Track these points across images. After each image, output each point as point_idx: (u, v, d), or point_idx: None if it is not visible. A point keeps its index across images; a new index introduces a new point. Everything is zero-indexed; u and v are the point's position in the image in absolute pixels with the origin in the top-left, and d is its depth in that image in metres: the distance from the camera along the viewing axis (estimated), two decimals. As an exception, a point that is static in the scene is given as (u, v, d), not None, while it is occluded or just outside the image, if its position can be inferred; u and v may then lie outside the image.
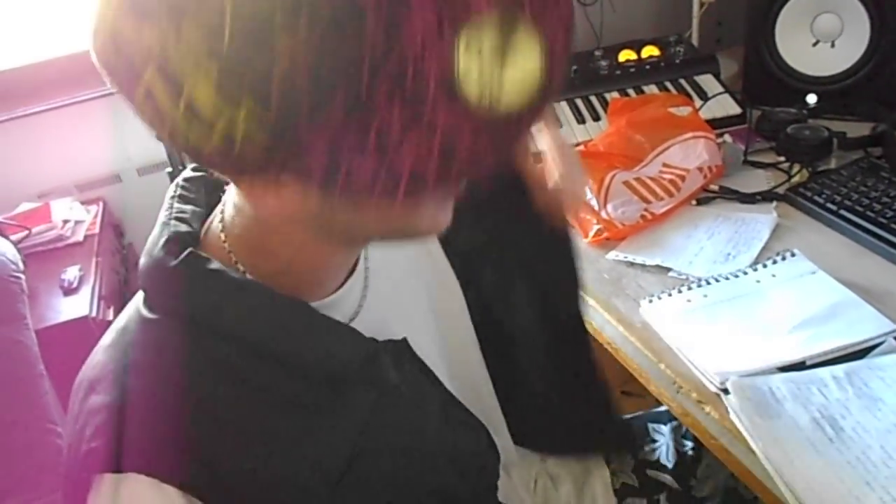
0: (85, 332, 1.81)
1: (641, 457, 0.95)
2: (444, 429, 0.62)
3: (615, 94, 1.40)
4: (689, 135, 1.17)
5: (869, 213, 1.00)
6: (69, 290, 1.90)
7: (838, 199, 1.04)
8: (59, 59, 2.36)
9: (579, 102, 1.39)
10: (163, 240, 0.53)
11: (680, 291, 0.94)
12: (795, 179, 1.13)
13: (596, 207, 1.10)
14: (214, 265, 0.51)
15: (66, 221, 2.18)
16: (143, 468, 0.46)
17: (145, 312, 0.52)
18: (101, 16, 0.40)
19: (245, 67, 0.37)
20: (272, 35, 0.36)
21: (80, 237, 2.13)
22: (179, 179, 0.61)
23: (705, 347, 0.84)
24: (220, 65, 0.37)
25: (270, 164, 0.41)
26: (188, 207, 0.57)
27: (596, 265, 1.04)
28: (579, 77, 1.43)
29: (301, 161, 0.40)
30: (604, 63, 1.45)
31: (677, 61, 1.43)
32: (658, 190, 1.13)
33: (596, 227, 1.08)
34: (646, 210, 1.10)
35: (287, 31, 0.36)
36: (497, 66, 0.39)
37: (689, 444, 0.95)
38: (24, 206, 2.24)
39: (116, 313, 2.14)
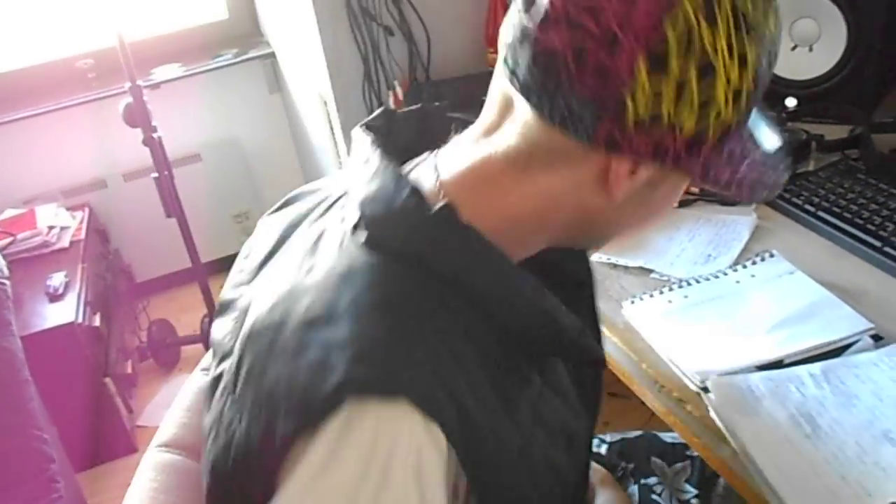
0: (71, 338, 1.81)
1: (643, 483, 0.95)
2: (567, 411, 0.65)
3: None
4: (671, 138, 1.19)
5: (846, 214, 1.01)
6: (55, 297, 1.89)
7: (816, 200, 1.06)
8: (44, 64, 2.36)
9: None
10: (406, 190, 0.57)
11: (661, 292, 0.96)
12: (775, 182, 1.15)
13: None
14: (465, 221, 0.56)
15: (51, 227, 2.17)
16: (406, 395, 0.50)
17: (373, 256, 0.56)
18: None
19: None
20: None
21: (65, 243, 2.12)
22: (360, 129, 0.65)
23: (686, 347, 0.85)
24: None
25: (675, 155, 0.53)
26: (391, 157, 0.61)
27: (579, 267, 1.05)
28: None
29: (692, 157, 0.53)
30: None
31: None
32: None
33: (579, 230, 1.09)
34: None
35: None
36: None
37: (692, 490, 0.95)
38: (9, 213, 2.23)
39: (103, 319, 2.14)
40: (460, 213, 0.56)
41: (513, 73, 0.55)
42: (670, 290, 0.96)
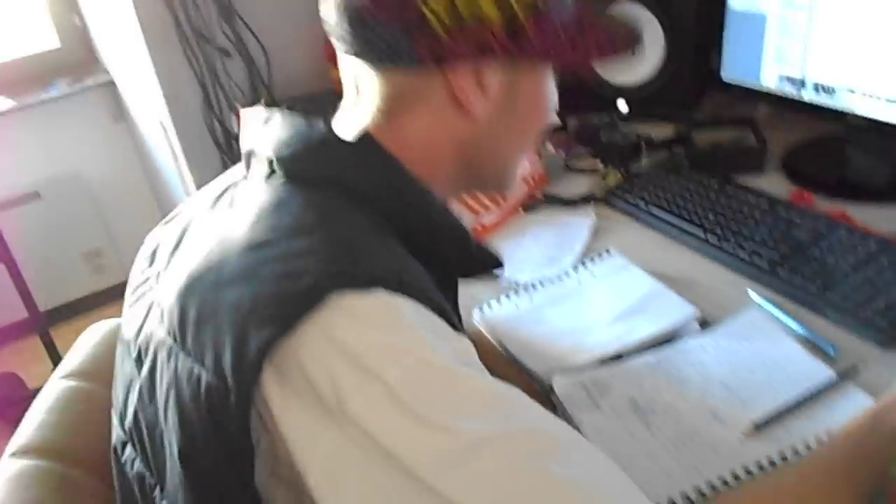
0: None
1: None
2: None
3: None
4: (512, 146, 1.22)
5: (673, 208, 1.08)
6: None
7: (647, 197, 1.12)
8: None
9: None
10: (321, 127, 0.61)
11: (509, 298, 0.97)
12: (610, 182, 1.21)
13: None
14: (386, 149, 0.61)
15: None
16: (383, 287, 0.52)
17: (297, 189, 0.59)
18: None
19: None
20: None
21: None
22: (251, 109, 0.70)
23: (533, 349, 0.87)
24: None
25: (501, 45, 0.58)
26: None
27: (430, 280, 1.05)
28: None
29: (520, 42, 0.58)
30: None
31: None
32: (487, 201, 1.17)
33: (428, 243, 1.10)
34: (477, 222, 1.13)
35: None
36: None
37: None
38: None
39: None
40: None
41: (343, 46, 0.62)
42: (517, 294, 0.98)
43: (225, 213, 0.62)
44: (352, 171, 0.60)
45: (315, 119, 0.63)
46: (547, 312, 0.94)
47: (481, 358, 0.57)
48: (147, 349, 0.60)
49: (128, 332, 0.64)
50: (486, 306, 0.96)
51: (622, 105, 1.38)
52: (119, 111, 2.37)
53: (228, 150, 1.64)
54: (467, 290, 1.01)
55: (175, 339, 0.55)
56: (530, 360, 0.86)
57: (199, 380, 0.52)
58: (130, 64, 1.88)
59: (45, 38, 2.33)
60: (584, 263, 1.01)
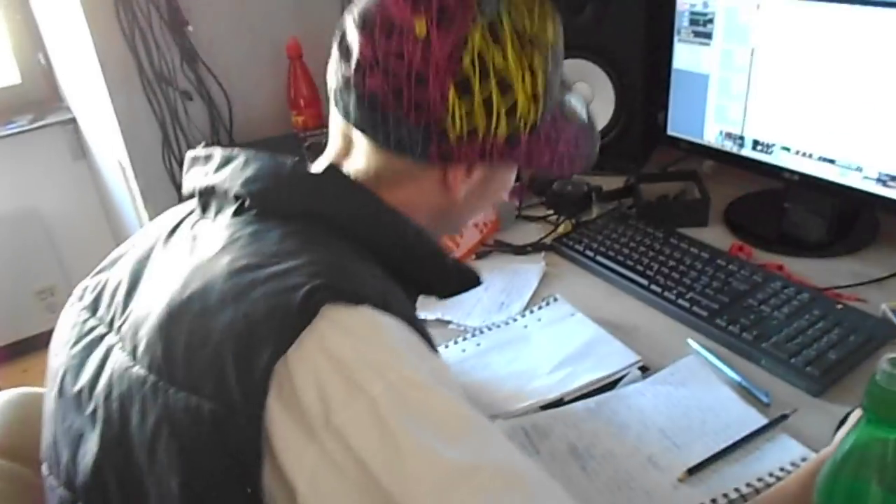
0: None
1: None
2: None
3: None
4: (465, 194, 1.25)
5: (619, 257, 1.11)
6: None
7: (595, 246, 1.15)
8: None
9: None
10: (288, 162, 0.62)
11: (456, 342, 0.99)
12: (560, 230, 1.24)
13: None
14: (353, 179, 0.63)
15: None
16: (370, 304, 0.54)
17: (271, 222, 0.60)
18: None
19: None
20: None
21: None
22: (199, 148, 0.71)
23: (476, 395, 0.88)
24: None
25: (500, 152, 0.63)
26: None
27: (380, 323, 1.06)
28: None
29: (514, 151, 0.64)
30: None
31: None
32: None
33: (380, 287, 1.11)
34: (428, 267, 1.15)
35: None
36: None
37: None
38: None
39: None
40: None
41: (345, 112, 0.64)
42: (465, 339, 0.99)
43: (191, 248, 0.62)
44: (324, 201, 0.61)
45: (280, 156, 0.64)
46: (492, 357, 0.95)
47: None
48: (111, 396, 0.57)
49: (73, 386, 0.61)
50: (433, 350, 0.97)
51: (575, 156, 1.42)
52: (79, 149, 2.36)
53: (187, 192, 1.64)
54: (416, 334, 1.02)
55: (160, 374, 0.54)
56: (473, 405, 0.86)
57: (198, 409, 0.51)
58: (91, 103, 1.88)
59: (5, 74, 2.32)
60: (531, 310, 1.03)
